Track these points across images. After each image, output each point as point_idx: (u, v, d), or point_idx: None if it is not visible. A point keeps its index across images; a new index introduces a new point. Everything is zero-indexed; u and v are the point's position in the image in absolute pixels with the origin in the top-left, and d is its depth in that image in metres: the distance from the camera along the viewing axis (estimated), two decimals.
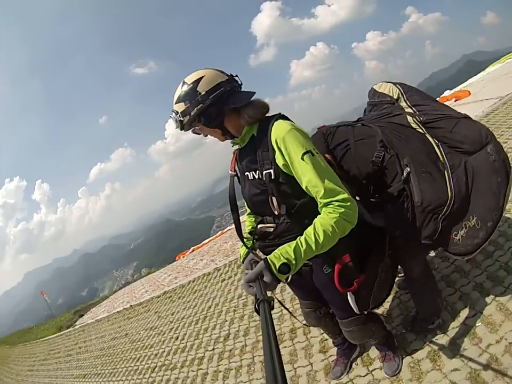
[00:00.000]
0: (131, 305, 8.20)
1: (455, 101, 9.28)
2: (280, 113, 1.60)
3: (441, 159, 1.87)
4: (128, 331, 6.43)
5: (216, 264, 6.87)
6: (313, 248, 1.32)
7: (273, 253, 1.32)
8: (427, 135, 1.94)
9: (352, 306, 1.73)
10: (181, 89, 1.52)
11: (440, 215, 1.83)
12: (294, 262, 1.28)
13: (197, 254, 10.22)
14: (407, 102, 2.10)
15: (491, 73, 12.20)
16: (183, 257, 12.05)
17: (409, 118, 2.02)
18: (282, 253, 1.30)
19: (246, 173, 1.65)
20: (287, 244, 1.35)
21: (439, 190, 1.81)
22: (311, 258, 1.38)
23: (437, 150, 1.89)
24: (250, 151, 1.59)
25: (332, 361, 2.47)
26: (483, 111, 6.87)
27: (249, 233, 1.85)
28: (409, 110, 2.07)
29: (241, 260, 1.82)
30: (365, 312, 1.88)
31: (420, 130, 1.97)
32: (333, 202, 1.37)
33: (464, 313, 2.28)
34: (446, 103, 9.11)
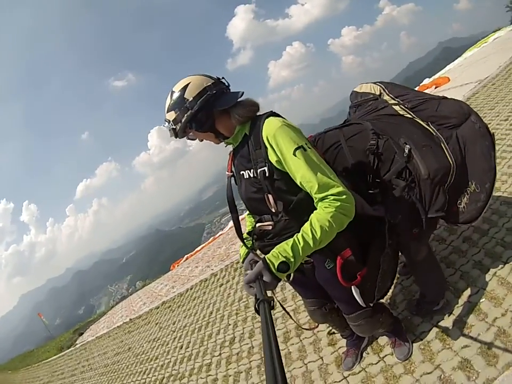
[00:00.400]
0: (130, 319, 8.13)
1: (435, 87, 9.41)
2: (271, 111, 1.61)
3: (434, 134, 1.97)
4: (131, 345, 6.37)
5: (212, 269, 6.84)
6: (311, 245, 1.32)
7: (271, 252, 1.32)
8: (416, 118, 2.05)
9: (358, 300, 1.72)
10: (170, 99, 1.56)
11: (446, 185, 1.89)
12: (292, 259, 1.28)
13: (192, 262, 10.19)
14: (390, 95, 2.22)
15: (468, 58, 12.39)
16: (178, 266, 12.00)
17: (396, 107, 2.14)
18: (280, 251, 1.30)
19: (241, 172, 1.65)
20: (284, 241, 1.35)
21: (442, 160, 1.88)
22: (312, 254, 1.40)
23: (429, 128, 2.00)
24: (244, 150, 1.60)
25: (342, 353, 2.48)
26: (464, 96, 6.96)
27: (248, 233, 1.86)
28: (393, 101, 2.18)
29: (241, 261, 1.82)
30: (371, 304, 1.87)
31: (408, 115, 2.08)
32: (328, 197, 1.36)
33: (467, 291, 2.31)
34: (427, 91, 9.02)
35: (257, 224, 1.71)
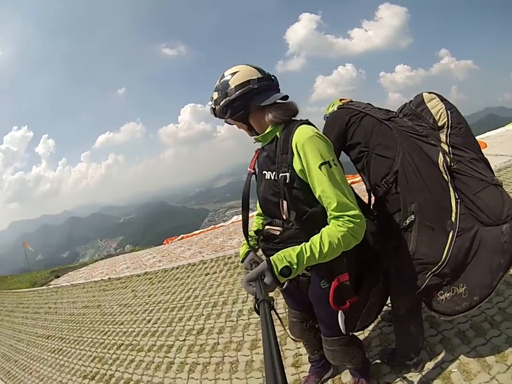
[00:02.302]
0: (109, 278, 8.23)
1: None
2: (307, 120, 1.62)
3: (453, 218, 1.74)
4: (101, 303, 6.44)
5: (203, 256, 6.87)
6: (316, 257, 1.33)
7: (276, 255, 1.33)
8: (450, 186, 1.75)
9: (340, 325, 1.73)
10: (219, 80, 1.61)
11: (430, 272, 1.80)
12: (295, 266, 1.30)
13: (185, 243, 10.24)
14: (448, 138, 1.82)
15: (511, 131, 12.15)
16: (171, 242, 12.09)
17: (441, 156, 1.78)
18: (286, 255, 1.32)
19: (264, 172, 1.67)
20: (291, 247, 1.36)
21: (435, 249, 1.76)
22: (311, 269, 1.43)
23: (453, 207, 1.74)
24: (271, 151, 1.62)
25: (303, 377, 2.46)
26: (495, 166, 6.81)
27: (255, 232, 1.87)
28: (445, 147, 1.81)
29: (241, 259, 1.83)
30: (350, 334, 1.89)
31: (445, 176, 1.76)
32: (343, 216, 1.37)
33: (442, 356, 2.28)
34: None
35: (267, 227, 1.72)
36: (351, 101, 2.24)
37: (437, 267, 1.76)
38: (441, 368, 2.20)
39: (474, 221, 1.71)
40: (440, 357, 2.29)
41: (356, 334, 2.10)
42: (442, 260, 1.74)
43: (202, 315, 4.14)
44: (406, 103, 2.02)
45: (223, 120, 1.70)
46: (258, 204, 1.88)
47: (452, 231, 1.72)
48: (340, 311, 1.69)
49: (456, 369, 2.14)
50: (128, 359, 3.79)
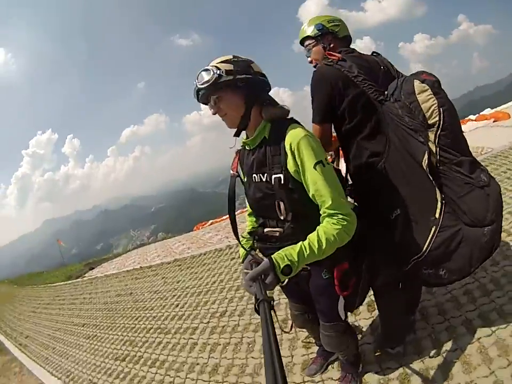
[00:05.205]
0: (141, 267, 8.59)
1: (494, 121, 9.00)
2: (292, 118, 1.70)
3: (436, 215, 1.79)
4: (133, 291, 6.82)
5: (229, 241, 7.09)
6: (316, 254, 1.41)
7: (277, 253, 1.38)
8: (435, 186, 1.76)
9: (340, 312, 1.88)
10: (234, 58, 1.56)
11: (412, 259, 1.87)
12: (296, 264, 1.36)
13: (213, 228, 10.48)
14: (438, 139, 1.73)
15: None
16: (201, 228, 12.38)
17: (426, 157, 1.72)
18: (287, 254, 1.37)
19: (253, 175, 1.73)
20: (290, 246, 1.43)
21: (418, 241, 1.84)
22: (311, 263, 1.47)
23: (438, 205, 1.78)
24: (260, 153, 1.67)
25: (311, 358, 2.66)
26: None
27: (249, 233, 1.93)
28: (433, 147, 1.74)
29: (241, 260, 1.87)
30: (347, 321, 2.05)
31: (430, 176, 1.74)
32: (337, 215, 1.47)
33: (446, 346, 2.34)
34: (484, 122, 8.96)
35: (265, 230, 1.79)
36: (342, 59, 1.93)
37: (417, 256, 1.84)
38: (442, 357, 2.26)
39: (457, 220, 1.76)
40: (444, 346, 2.34)
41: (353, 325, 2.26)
42: (422, 251, 1.82)
43: (226, 298, 4.40)
44: (397, 82, 1.86)
45: (210, 97, 1.57)
46: (249, 206, 1.95)
47: (434, 226, 1.79)
48: (340, 297, 1.83)
49: (457, 360, 2.19)
50: (156, 341, 4.13)
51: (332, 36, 2.09)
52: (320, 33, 2.07)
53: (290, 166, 1.54)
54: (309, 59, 2.20)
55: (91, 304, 7.41)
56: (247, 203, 1.94)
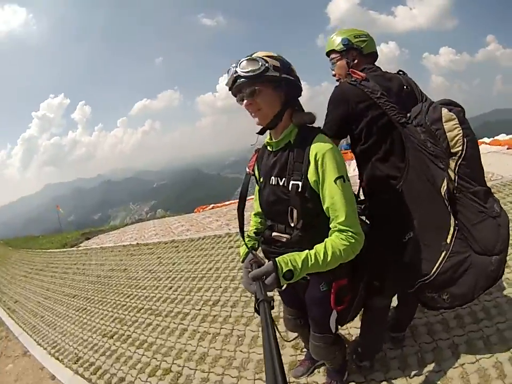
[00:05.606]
0: (138, 243, 8.65)
1: (508, 148, 8.97)
2: (320, 127, 1.69)
3: (448, 240, 1.80)
4: (128, 267, 6.86)
5: (230, 229, 7.10)
6: (319, 265, 1.40)
7: (281, 257, 1.38)
8: (450, 212, 1.77)
9: (331, 325, 1.88)
10: (277, 56, 1.54)
11: (419, 281, 1.89)
12: (299, 271, 1.35)
13: (214, 213, 10.51)
14: (458, 168, 1.74)
15: None
16: (201, 211, 12.43)
17: (444, 184, 1.73)
18: (291, 259, 1.37)
19: (271, 177, 1.71)
20: (296, 252, 1.42)
21: (424, 266, 1.86)
22: (312, 274, 1.46)
23: (451, 231, 1.79)
24: (282, 156, 1.65)
25: (298, 360, 2.68)
26: None
27: (255, 233, 1.96)
28: (452, 174, 1.75)
29: (241, 260, 1.86)
30: (337, 333, 2.05)
31: (446, 202, 1.76)
32: (348, 231, 1.46)
33: (431, 365, 2.34)
34: (497, 147, 8.93)
35: (273, 233, 1.76)
36: (366, 79, 1.92)
37: (425, 278, 1.86)
38: (425, 377, 2.27)
39: (467, 246, 1.77)
40: (428, 366, 2.36)
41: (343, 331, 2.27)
42: (430, 274, 1.83)
43: (220, 287, 4.40)
44: (422, 107, 1.84)
45: (247, 88, 1.52)
46: (257, 204, 1.96)
47: (444, 251, 1.80)
48: (333, 311, 1.83)
49: (439, 383, 2.21)
50: (146, 322, 4.13)
51: (357, 51, 2.06)
52: (345, 48, 2.06)
53: (311, 175, 1.52)
54: (333, 72, 2.20)
55: (84, 276, 7.45)
56: (255, 201, 1.95)
